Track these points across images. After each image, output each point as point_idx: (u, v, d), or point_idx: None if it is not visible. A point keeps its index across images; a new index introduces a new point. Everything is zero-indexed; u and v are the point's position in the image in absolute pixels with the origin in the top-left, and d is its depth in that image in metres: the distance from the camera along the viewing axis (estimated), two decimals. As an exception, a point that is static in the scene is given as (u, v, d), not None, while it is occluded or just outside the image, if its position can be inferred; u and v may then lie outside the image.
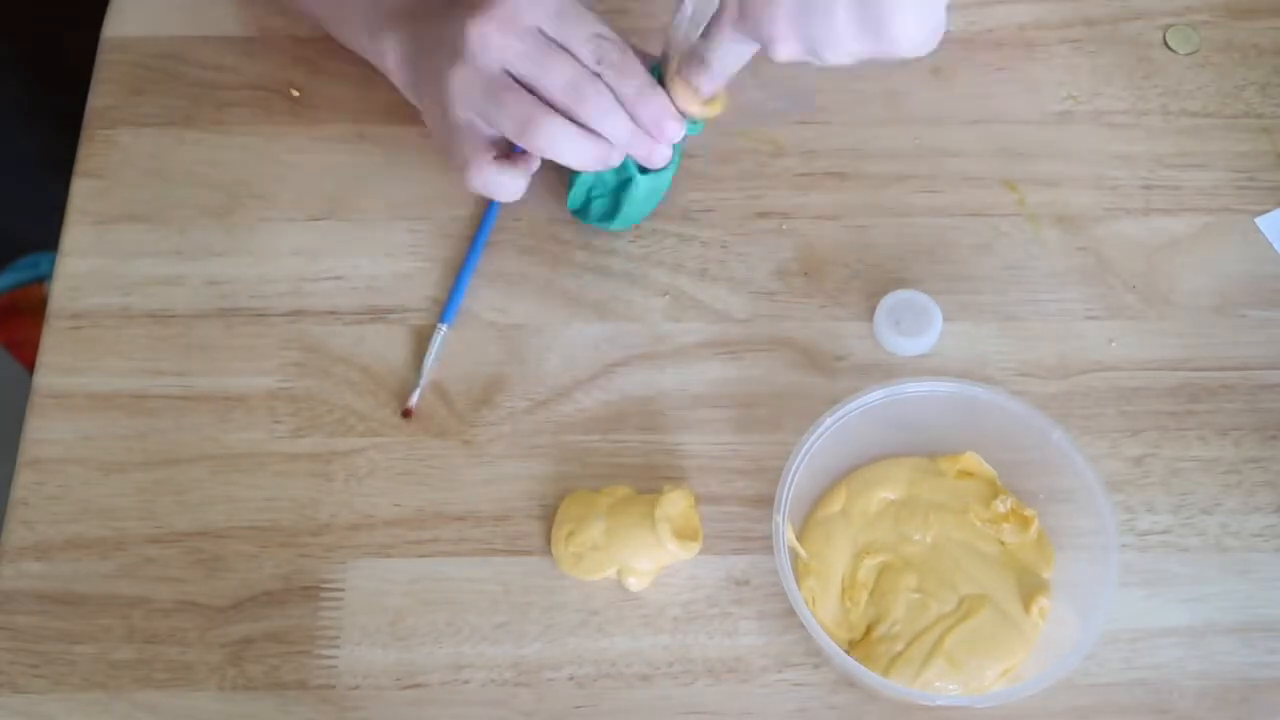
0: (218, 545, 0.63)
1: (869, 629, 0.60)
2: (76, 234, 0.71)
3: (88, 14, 0.79)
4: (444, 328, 0.67)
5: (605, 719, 0.60)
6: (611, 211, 0.69)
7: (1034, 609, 0.60)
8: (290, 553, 0.63)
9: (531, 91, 0.61)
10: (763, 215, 0.72)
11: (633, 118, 0.61)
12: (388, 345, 0.68)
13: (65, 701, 0.60)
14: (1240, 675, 0.61)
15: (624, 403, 0.67)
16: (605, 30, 0.61)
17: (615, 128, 0.61)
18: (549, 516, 0.64)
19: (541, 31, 0.60)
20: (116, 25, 0.78)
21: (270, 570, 0.63)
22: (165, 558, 0.63)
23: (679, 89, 0.61)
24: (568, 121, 0.61)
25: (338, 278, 0.70)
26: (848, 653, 0.58)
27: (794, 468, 0.60)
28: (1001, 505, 0.62)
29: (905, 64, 0.56)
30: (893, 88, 0.76)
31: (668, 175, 0.68)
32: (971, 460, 0.64)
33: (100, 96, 0.76)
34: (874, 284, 0.70)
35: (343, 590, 0.62)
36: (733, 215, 0.72)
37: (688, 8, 0.60)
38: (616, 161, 0.63)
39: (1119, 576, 0.59)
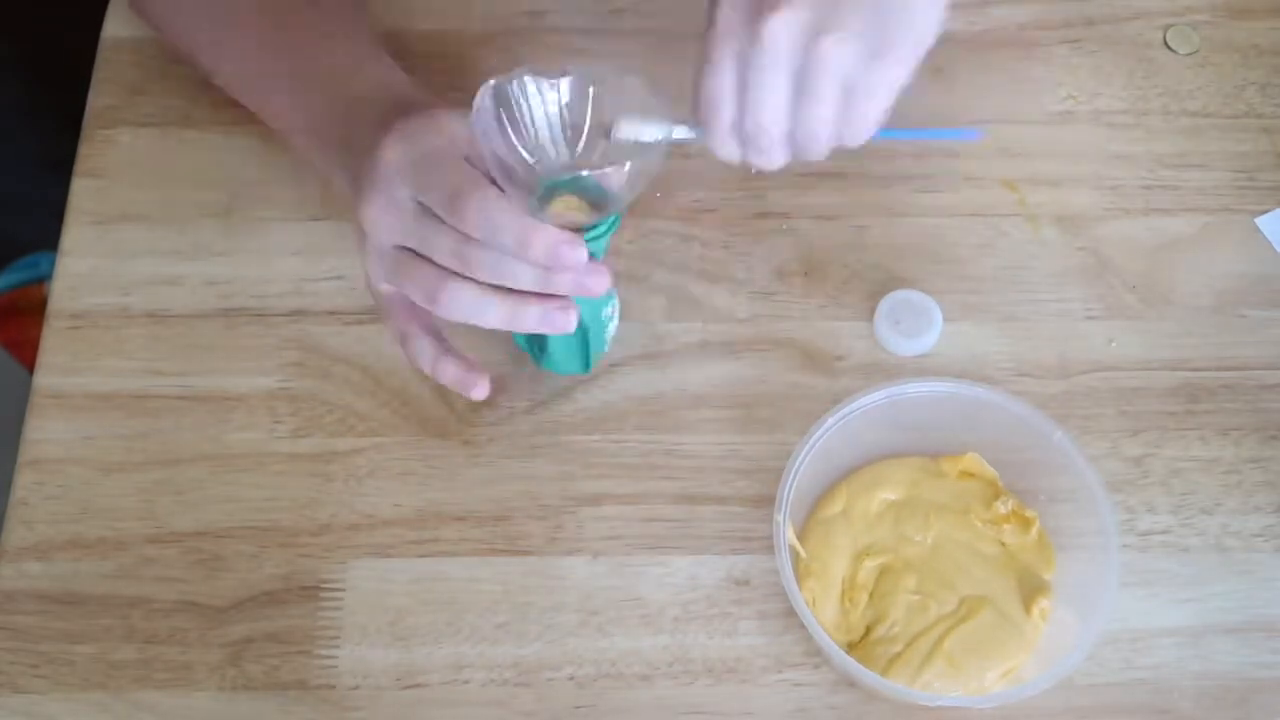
0: (218, 545, 0.63)
1: (868, 630, 0.60)
2: (76, 234, 0.71)
3: (88, 14, 0.79)
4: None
5: (605, 719, 0.60)
6: (583, 359, 0.66)
7: (1034, 610, 0.60)
8: (290, 553, 0.63)
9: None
10: (763, 215, 0.72)
11: (527, 263, 0.56)
12: (388, 345, 0.68)
13: (65, 701, 0.60)
14: (1240, 675, 0.61)
15: (624, 403, 0.67)
16: (461, 179, 0.55)
17: (518, 278, 0.56)
18: (549, 517, 0.64)
19: (415, 200, 0.57)
20: (116, 25, 0.78)
21: (270, 570, 0.63)
22: (165, 558, 0.63)
23: (560, 209, 0.56)
24: (473, 283, 0.57)
25: (338, 278, 0.70)
26: (847, 653, 0.58)
27: (795, 468, 0.60)
28: (1002, 506, 0.62)
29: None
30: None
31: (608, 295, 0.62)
32: (973, 461, 0.64)
33: (100, 96, 0.76)
34: (874, 284, 0.70)
35: (343, 590, 0.62)
36: (733, 215, 0.72)
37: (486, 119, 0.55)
38: (538, 311, 0.57)
39: (1119, 577, 0.59)
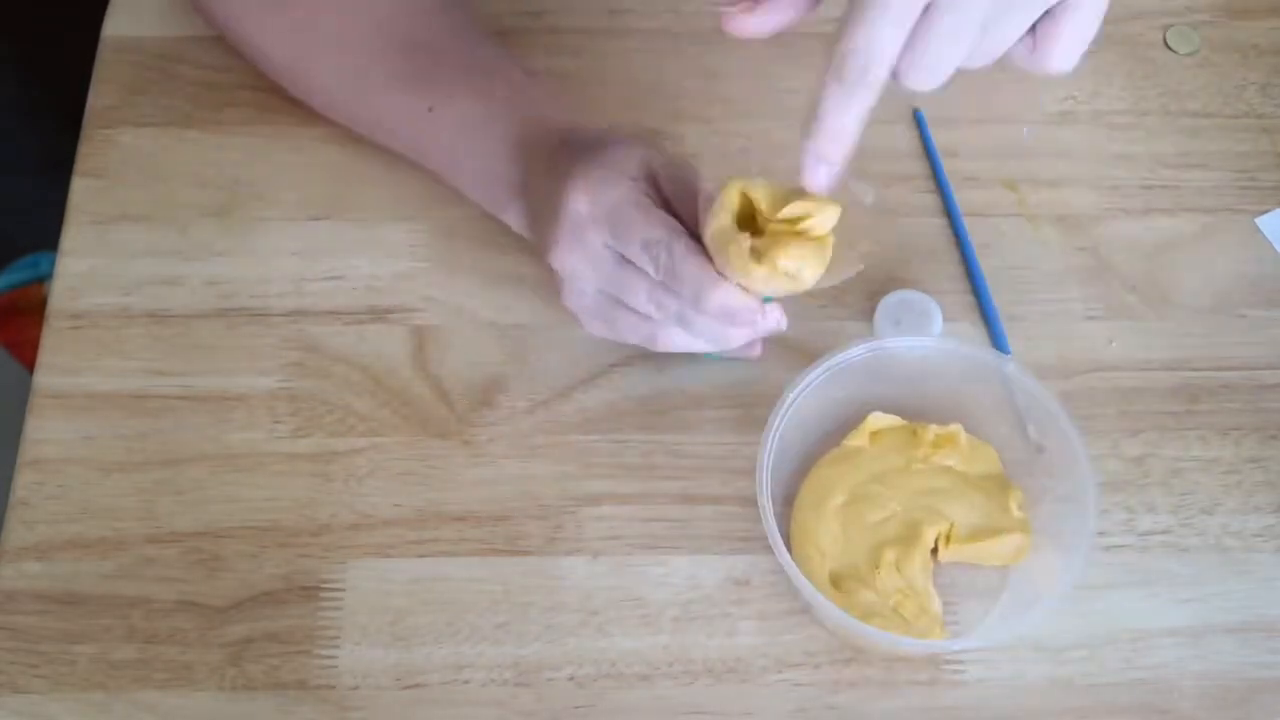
0: (218, 545, 0.63)
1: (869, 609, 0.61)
2: (76, 234, 0.71)
3: (88, 14, 0.79)
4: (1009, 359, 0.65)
5: (605, 719, 0.60)
6: None
7: (1011, 504, 0.62)
8: (290, 553, 0.63)
9: None
10: (763, 215, 0.72)
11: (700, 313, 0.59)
12: (388, 345, 0.68)
13: (65, 701, 0.60)
14: (1240, 675, 0.61)
15: (624, 403, 0.67)
16: (654, 231, 0.58)
17: (704, 330, 0.61)
18: (549, 516, 0.64)
19: (609, 247, 0.60)
20: (116, 25, 0.78)
21: (270, 570, 0.63)
22: (165, 558, 0.63)
23: (737, 270, 0.57)
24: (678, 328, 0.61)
25: (338, 278, 0.70)
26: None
27: (773, 430, 0.61)
28: (929, 434, 0.63)
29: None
30: (892, 87, 0.76)
31: None
32: (877, 418, 0.64)
33: (100, 96, 0.76)
34: (874, 284, 0.70)
35: (343, 590, 0.62)
36: (733, 215, 0.72)
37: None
38: (742, 333, 0.61)
39: (1097, 507, 0.59)
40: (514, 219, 0.67)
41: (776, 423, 0.61)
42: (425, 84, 0.68)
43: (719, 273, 0.58)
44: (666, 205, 0.61)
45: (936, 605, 0.60)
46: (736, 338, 0.62)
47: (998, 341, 0.68)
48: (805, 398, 0.62)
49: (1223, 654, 0.61)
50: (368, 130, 0.72)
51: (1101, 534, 0.64)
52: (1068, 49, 0.51)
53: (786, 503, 0.64)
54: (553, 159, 0.63)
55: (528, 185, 0.65)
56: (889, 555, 0.61)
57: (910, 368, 0.64)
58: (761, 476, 0.59)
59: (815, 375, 0.62)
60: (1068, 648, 0.61)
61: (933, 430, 0.64)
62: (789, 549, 0.61)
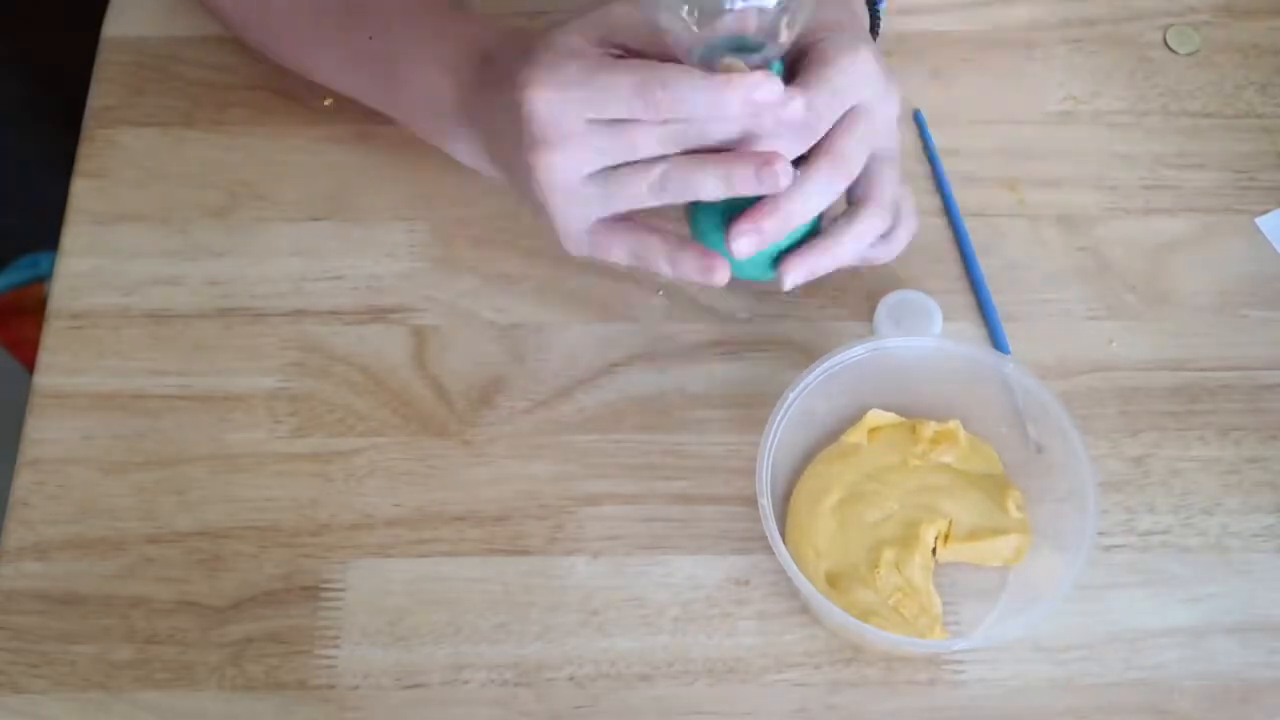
0: (218, 545, 0.63)
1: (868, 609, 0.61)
2: (76, 234, 0.71)
3: (88, 14, 0.79)
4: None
5: (605, 719, 0.60)
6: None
7: (1010, 504, 0.62)
8: (290, 553, 0.63)
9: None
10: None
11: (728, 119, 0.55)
12: (388, 345, 0.68)
13: (65, 701, 0.60)
14: (1240, 676, 0.61)
15: (624, 403, 0.67)
16: (628, 74, 0.54)
17: (725, 137, 0.56)
18: (549, 516, 0.64)
19: (588, 121, 0.55)
20: (116, 25, 0.78)
21: (270, 570, 0.63)
22: (165, 558, 0.63)
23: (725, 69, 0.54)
24: (687, 157, 0.56)
25: (338, 278, 0.70)
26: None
27: (775, 426, 0.61)
28: (927, 430, 0.63)
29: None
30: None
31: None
32: (874, 416, 0.64)
33: (100, 96, 0.76)
34: (874, 284, 0.70)
35: (343, 590, 0.62)
36: (733, 215, 0.72)
37: None
38: (750, 170, 0.55)
39: (1097, 511, 0.59)
40: (463, 148, 0.65)
41: (776, 422, 0.61)
42: (365, 15, 0.67)
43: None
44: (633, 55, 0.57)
45: (937, 605, 0.60)
46: (765, 126, 0.56)
47: (998, 341, 0.68)
48: (805, 397, 0.62)
49: (1223, 654, 0.61)
50: (324, 74, 0.71)
51: (1101, 534, 0.64)
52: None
53: (786, 500, 0.64)
54: (491, 70, 0.61)
55: (469, 105, 0.63)
56: (888, 555, 0.61)
57: (910, 368, 0.64)
58: (761, 475, 0.59)
59: (815, 375, 0.62)
60: (1068, 648, 0.61)
61: (931, 426, 0.64)
62: (787, 549, 0.61)
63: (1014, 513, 0.62)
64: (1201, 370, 0.68)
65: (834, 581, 0.61)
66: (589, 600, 0.62)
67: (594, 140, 0.56)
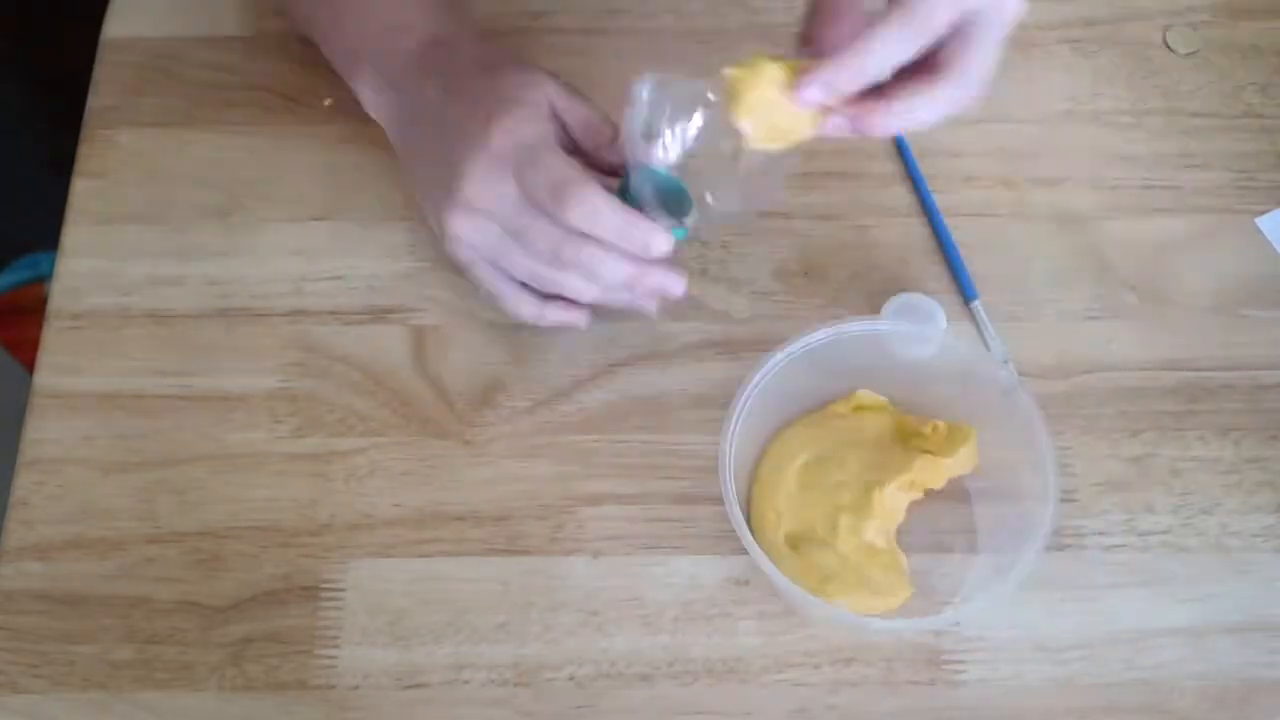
0: (218, 545, 0.63)
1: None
2: (76, 234, 0.71)
3: (88, 14, 0.79)
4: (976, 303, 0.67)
5: (605, 719, 0.60)
6: None
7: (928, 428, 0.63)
8: (290, 553, 0.63)
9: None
10: (763, 215, 0.72)
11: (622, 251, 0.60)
12: (388, 345, 0.68)
13: (65, 701, 0.60)
14: (1240, 675, 0.61)
15: (624, 403, 0.67)
16: (565, 172, 0.59)
17: (613, 274, 0.61)
18: (549, 516, 0.64)
19: (517, 190, 0.60)
20: (116, 25, 0.78)
21: (270, 570, 0.63)
22: (165, 558, 0.63)
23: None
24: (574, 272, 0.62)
25: (338, 278, 0.70)
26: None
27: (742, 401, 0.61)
28: (917, 423, 0.64)
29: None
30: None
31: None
32: (863, 395, 0.65)
33: (100, 96, 0.76)
34: (874, 284, 0.70)
35: (343, 590, 0.62)
36: (733, 215, 0.72)
37: (639, 116, 0.58)
38: (628, 297, 0.64)
39: (1056, 472, 0.59)
40: (369, 96, 0.67)
41: (743, 398, 0.62)
42: None
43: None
44: (569, 142, 0.62)
45: (902, 562, 0.61)
46: (649, 283, 0.62)
47: (963, 286, 0.69)
48: (779, 378, 0.62)
49: (1223, 654, 0.61)
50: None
51: (1101, 534, 0.64)
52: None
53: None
54: (450, 60, 0.64)
55: (405, 71, 0.65)
56: (845, 519, 0.61)
57: (910, 363, 0.64)
58: (728, 434, 0.60)
59: (777, 360, 0.63)
60: (1068, 648, 0.61)
61: (914, 421, 0.64)
62: (749, 510, 0.61)
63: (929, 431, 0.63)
64: (1201, 370, 0.68)
65: (794, 544, 0.61)
66: (589, 600, 0.62)
67: (505, 205, 0.61)
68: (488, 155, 0.60)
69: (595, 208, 0.59)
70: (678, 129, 0.58)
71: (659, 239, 0.60)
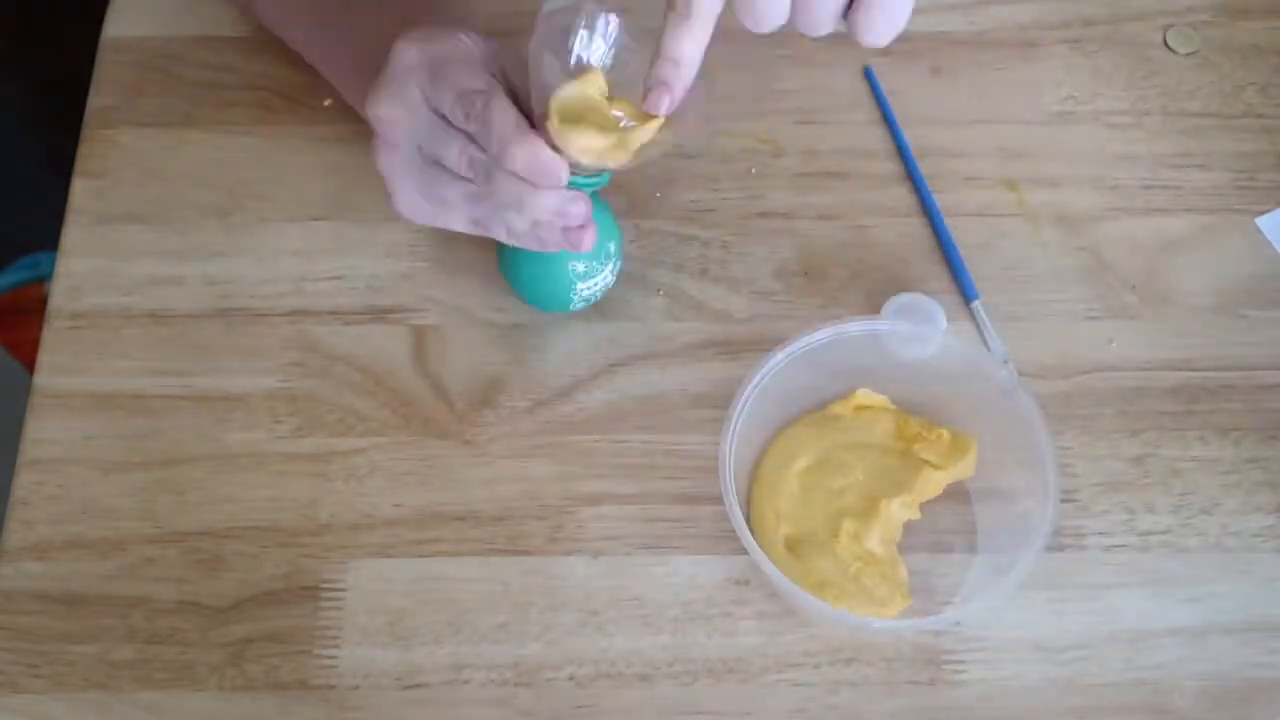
0: (218, 545, 0.63)
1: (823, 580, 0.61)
2: (76, 234, 0.71)
3: (88, 14, 0.79)
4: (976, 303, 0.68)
5: (605, 719, 0.60)
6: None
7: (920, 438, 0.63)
8: (290, 553, 0.63)
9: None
10: (763, 215, 0.72)
11: (504, 169, 0.57)
12: (388, 345, 0.68)
13: (65, 701, 0.60)
14: (1240, 675, 0.61)
15: (624, 403, 0.67)
16: (473, 83, 0.57)
17: (503, 192, 0.58)
18: (549, 516, 0.64)
19: (426, 100, 0.58)
20: (116, 25, 0.78)
21: (270, 570, 0.63)
22: (165, 558, 0.63)
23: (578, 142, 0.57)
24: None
25: (338, 278, 0.70)
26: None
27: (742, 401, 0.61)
28: (920, 427, 0.64)
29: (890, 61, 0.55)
30: (893, 87, 0.76)
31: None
32: (864, 395, 0.64)
33: (100, 96, 0.76)
34: (874, 284, 0.70)
35: (343, 590, 0.62)
36: (733, 215, 0.72)
37: (546, 39, 0.56)
38: (549, 204, 0.59)
39: (1056, 471, 0.59)
40: (351, 93, 0.66)
41: (747, 391, 0.62)
42: None
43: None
44: (512, 94, 0.59)
45: (901, 572, 0.60)
46: (546, 212, 0.58)
47: (964, 286, 0.69)
48: (778, 378, 0.62)
49: (1223, 654, 0.61)
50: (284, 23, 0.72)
51: (1101, 534, 0.64)
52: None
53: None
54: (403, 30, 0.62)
55: (372, 55, 0.64)
56: (848, 525, 0.61)
57: (910, 362, 0.64)
58: (728, 434, 0.60)
59: (778, 360, 0.62)
60: (1068, 648, 0.61)
61: (916, 423, 0.64)
62: (749, 510, 0.61)
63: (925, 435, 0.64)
64: (1201, 370, 0.68)
65: (793, 547, 0.61)
66: (589, 600, 0.62)
67: (420, 117, 0.58)
68: (393, 68, 0.58)
69: (490, 113, 0.56)
70: (588, 52, 0.57)
71: (549, 163, 0.56)
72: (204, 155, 0.74)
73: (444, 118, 0.58)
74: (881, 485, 0.62)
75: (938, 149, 0.74)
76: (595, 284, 0.65)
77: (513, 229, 0.60)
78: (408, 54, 0.58)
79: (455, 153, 0.58)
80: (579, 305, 0.66)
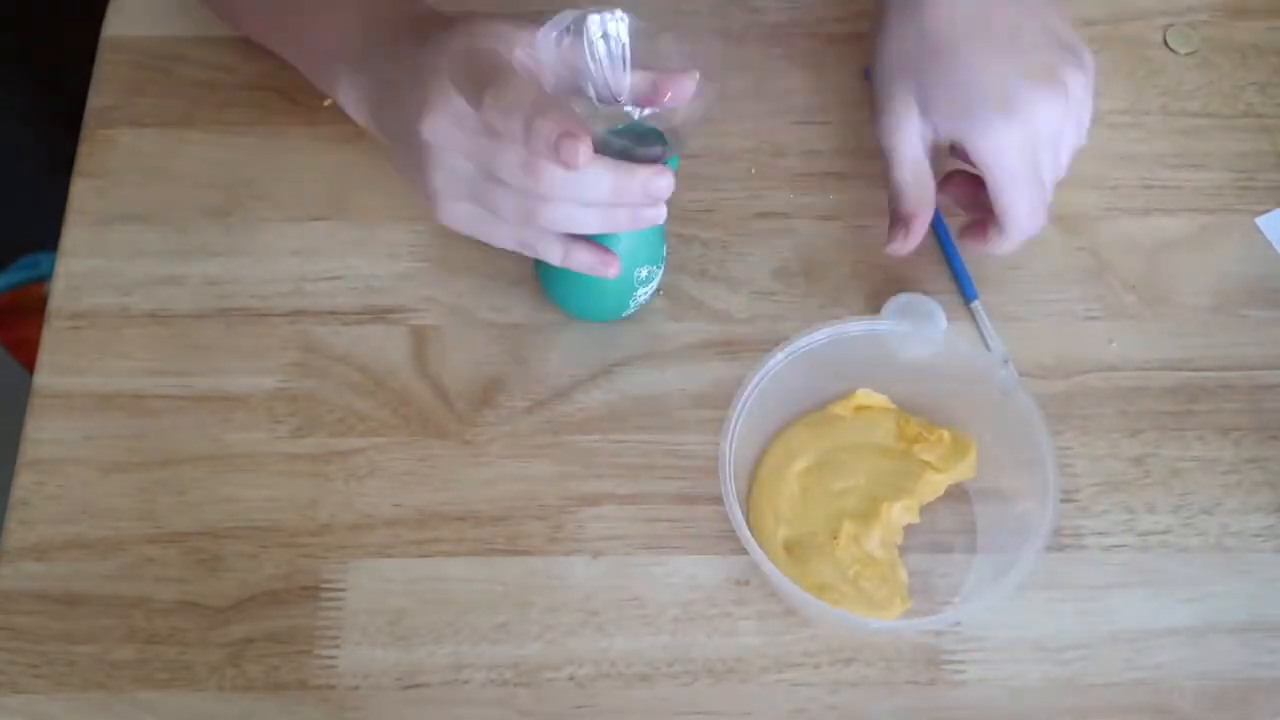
0: (218, 545, 0.63)
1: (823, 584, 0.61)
2: (76, 234, 0.71)
3: (88, 14, 0.79)
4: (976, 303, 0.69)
5: (605, 719, 0.60)
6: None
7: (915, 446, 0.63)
8: (290, 553, 0.63)
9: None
10: (763, 215, 0.72)
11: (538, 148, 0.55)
12: (388, 345, 0.68)
13: (65, 701, 0.60)
14: (1240, 675, 0.61)
15: (624, 403, 0.67)
16: (529, 94, 0.55)
17: (596, 189, 0.57)
18: (549, 516, 0.64)
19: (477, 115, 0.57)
20: (116, 25, 0.78)
21: (270, 570, 0.63)
22: (165, 558, 0.63)
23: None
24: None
25: (338, 278, 0.70)
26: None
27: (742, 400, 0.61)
28: (920, 428, 0.64)
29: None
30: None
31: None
32: (864, 395, 0.64)
33: (100, 96, 0.76)
34: (874, 284, 0.70)
35: (343, 590, 0.62)
36: (733, 215, 0.72)
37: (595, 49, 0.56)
38: (628, 214, 0.59)
39: (1056, 471, 0.59)
40: (351, 97, 0.65)
41: (748, 391, 0.62)
42: None
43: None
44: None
45: (901, 575, 0.60)
46: (616, 194, 0.58)
47: (964, 289, 0.70)
48: (776, 379, 0.62)
49: (1223, 654, 0.61)
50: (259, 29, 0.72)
51: (1101, 534, 0.64)
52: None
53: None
54: (406, 28, 0.61)
55: (368, 56, 0.63)
56: (848, 528, 0.61)
57: (910, 362, 0.64)
58: (728, 434, 0.60)
59: (778, 360, 0.62)
60: (1068, 648, 0.61)
61: (916, 424, 0.64)
62: (749, 510, 0.61)
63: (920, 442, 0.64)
64: (1201, 370, 0.68)
65: (791, 549, 0.61)
66: (589, 600, 0.62)
67: (474, 131, 0.57)
68: (440, 84, 0.57)
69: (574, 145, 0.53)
70: (616, 58, 0.56)
71: (660, 180, 0.57)
72: (204, 155, 0.74)
73: (498, 132, 0.56)
74: (882, 488, 0.62)
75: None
76: (651, 288, 0.66)
77: (583, 224, 0.59)
78: (438, 63, 0.57)
79: (515, 165, 0.57)
80: (632, 311, 0.67)
